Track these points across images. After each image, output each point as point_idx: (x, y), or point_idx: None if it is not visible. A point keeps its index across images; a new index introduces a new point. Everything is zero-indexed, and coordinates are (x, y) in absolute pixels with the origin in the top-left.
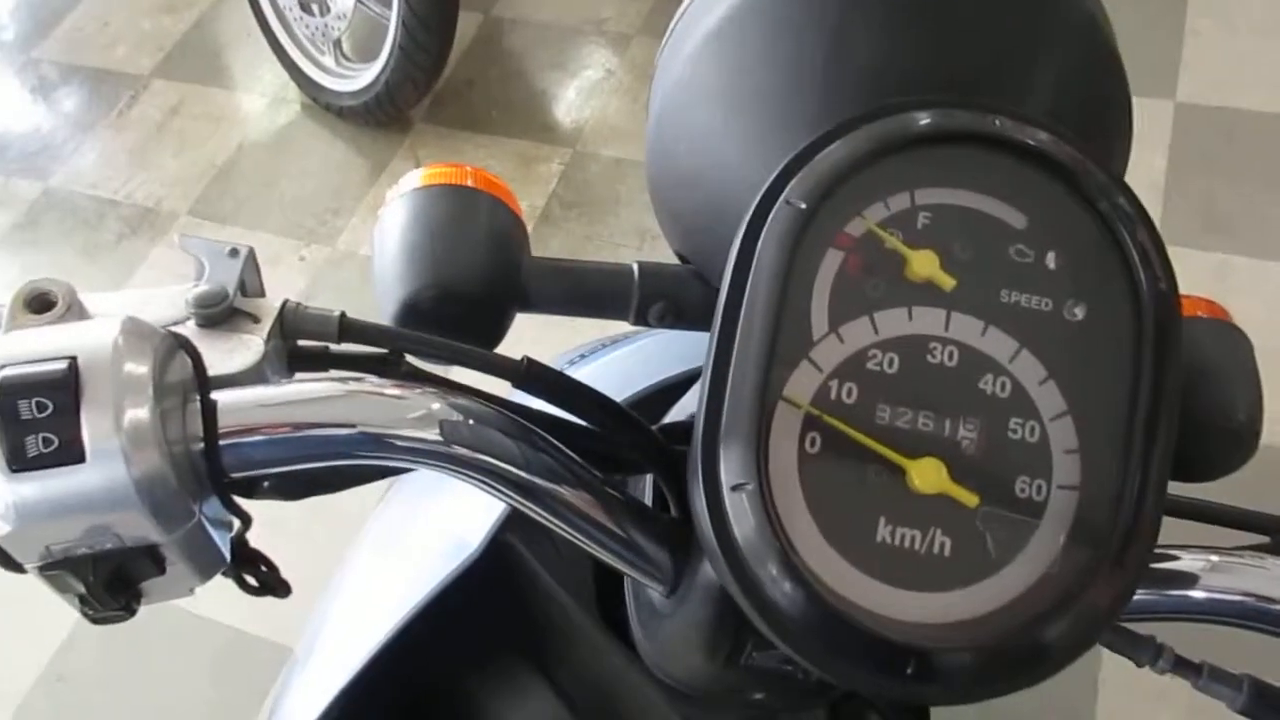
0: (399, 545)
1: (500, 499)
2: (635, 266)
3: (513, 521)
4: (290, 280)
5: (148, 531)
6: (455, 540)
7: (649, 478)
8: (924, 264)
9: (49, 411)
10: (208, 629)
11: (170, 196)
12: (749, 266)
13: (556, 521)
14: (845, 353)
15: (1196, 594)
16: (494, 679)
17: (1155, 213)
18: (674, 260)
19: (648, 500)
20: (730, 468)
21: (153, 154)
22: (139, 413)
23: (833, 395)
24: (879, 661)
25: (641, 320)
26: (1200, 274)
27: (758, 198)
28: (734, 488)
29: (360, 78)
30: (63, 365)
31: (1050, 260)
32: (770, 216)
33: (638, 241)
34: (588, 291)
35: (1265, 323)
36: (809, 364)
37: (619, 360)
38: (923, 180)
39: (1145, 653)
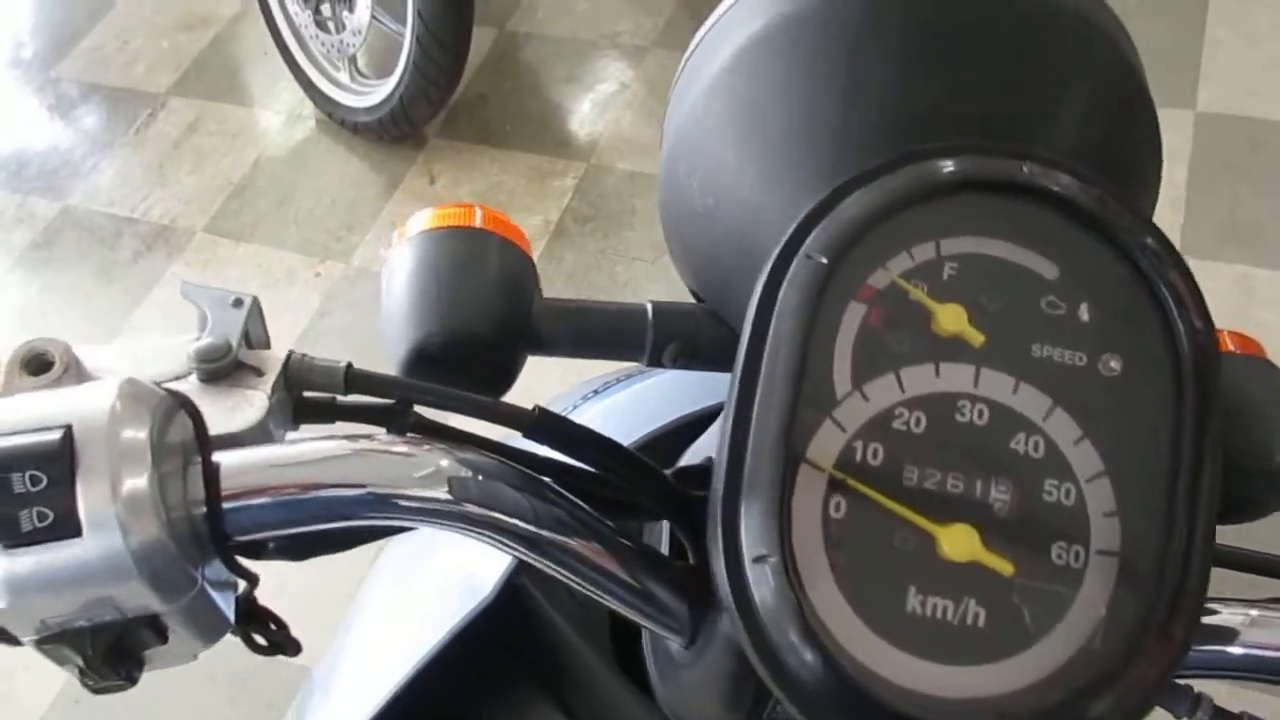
0: (414, 585)
1: (510, 553)
2: (649, 306)
3: (526, 565)
4: (305, 297)
5: (148, 601)
6: (469, 583)
7: (666, 526)
8: (951, 318)
9: (43, 485)
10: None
11: (186, 213)
12: (768, 322)
13: (569, 576)
14: (870, 412)
15: (1235, 650)
16: (514, 713)
17: (1176, 224)
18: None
19: (664, 546)
20: (752, 538)
21: (170, 171)
22: (136, 482)
23: (858, 457)
24: None
25: (656, 361)
26: (1223, 286)
27: (777, 250)
28: (756, 559)
29: (375, 94)
30: (57, 436)
31: (1083, 312)
32: (790, 271)
33: (653, 255)
34: (600, 333)
35: None
36: (832, 424)
37: (631, 399)
38: (949, 229)
39: (1182, 704)
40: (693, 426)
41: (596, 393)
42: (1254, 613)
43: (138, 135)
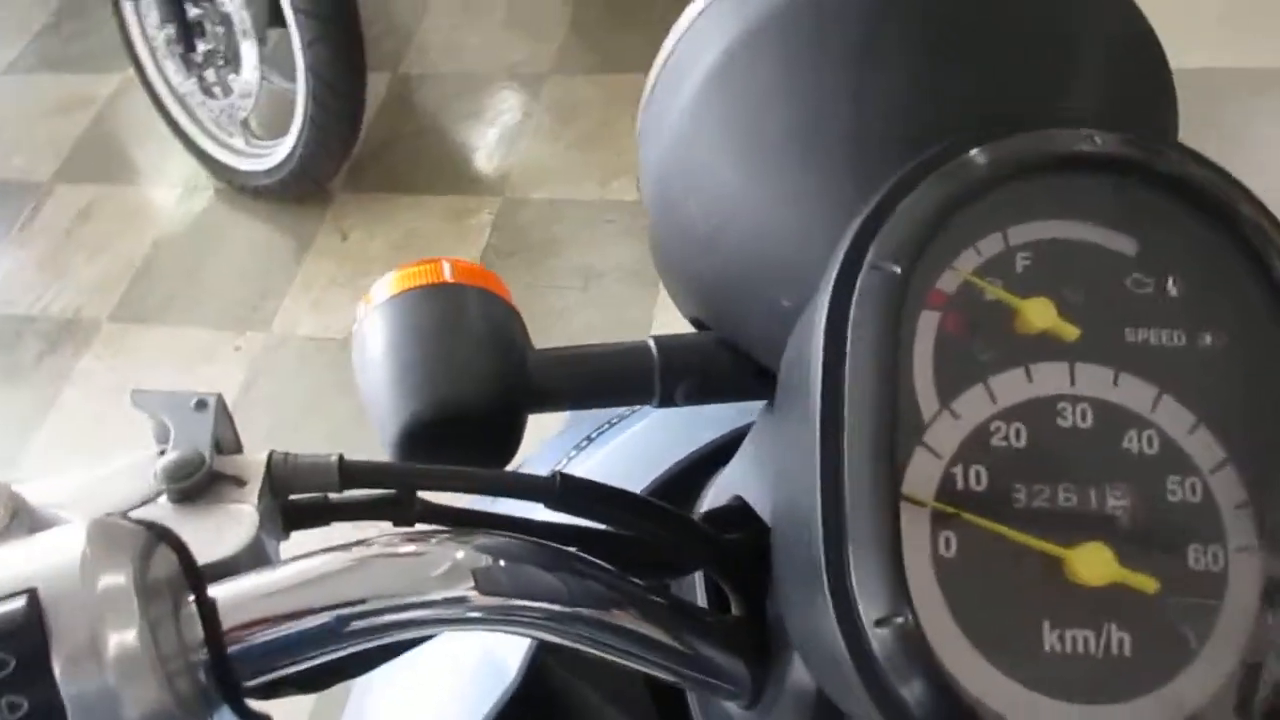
0: (426, 676)
1: (543, 639)
2: (652, 343)
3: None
4: (228, 373)
5: None
6: (489, 668)
7: (698, 575)
8: (1039, 313)
9: (11, 667)
10: None
11: (90, 304)
12: (843, 346)
13: (614, 652)
14: (963, 431)
15: None
16: None
17: None
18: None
19: (699, 600)
20: (869, 598)
21: (65, 262)
22: (125, 640)
23: (959, 485)
24: None
25: (668, 401)
26: None
27: (837, 264)
28: (878, 621)
29: (273, 155)
30: (21, 604)
31: (1172, 286)
32: (858, 284)
33: (582, 281)
34: (605, 380)
35: None
36: (925, 450)
37: (627, 445)
38: (1014, 217)
39: None
40: (702, 464)
41: (590, 440)
42: None
43: (24, 230)
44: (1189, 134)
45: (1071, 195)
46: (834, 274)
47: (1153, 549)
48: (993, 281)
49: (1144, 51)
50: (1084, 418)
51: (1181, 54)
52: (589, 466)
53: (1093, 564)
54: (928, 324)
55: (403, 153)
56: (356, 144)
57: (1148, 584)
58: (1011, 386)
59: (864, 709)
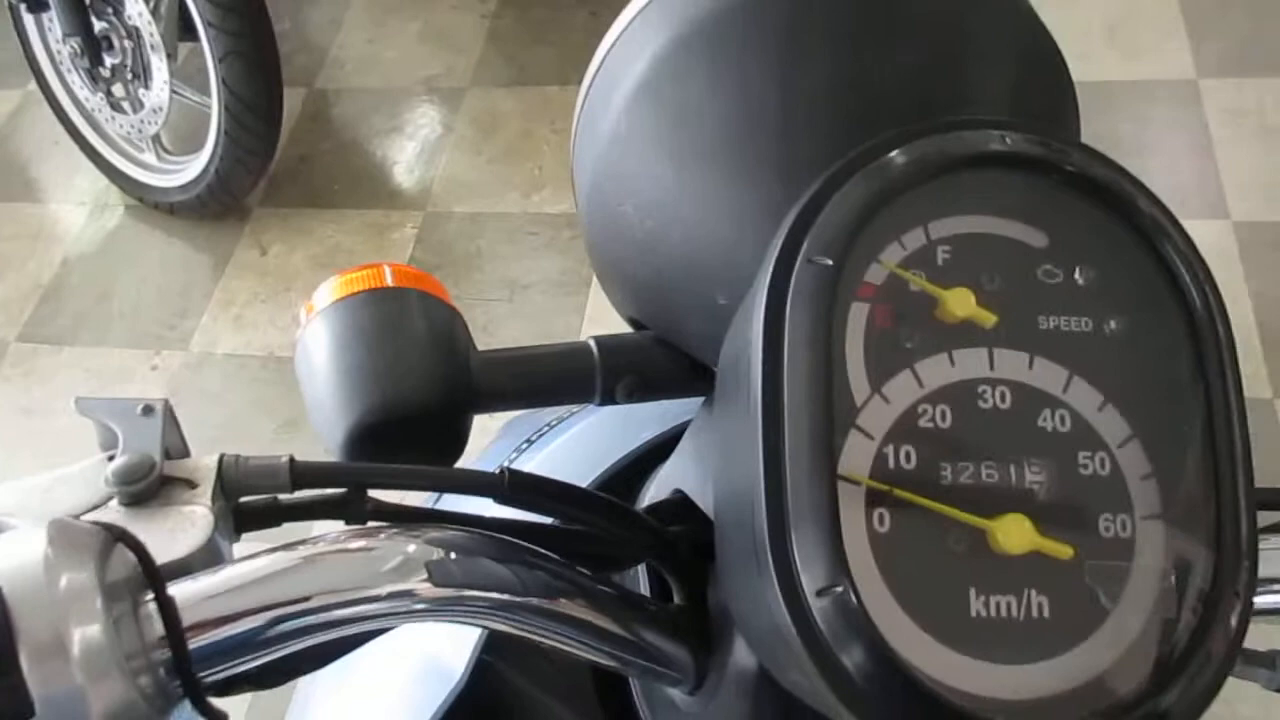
0: (370, 678)
1: (494, 629)
2: (593, 343)
3: (495, 640)
4: (146, 393)
5: None
6: (436, 669)
7: (641, 567)
8: (960, 302)
9: None
10: None
11: None
12: (780, 337)
13: (562, 640)
14: (894, 414)
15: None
16: None
17: None
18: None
19: (644, 591)
20: (810, 570)
21: None
22: (91, 635)
23: (890, 464)
24: None
25: (609, 399)
26: None
27: (773, 259)
28: (820, 592)
29: (187, 170)
30: None
31: (1079, 276)
32: (793, 277)
33: (507, 293)
34: (547, 380)
35: None
36: (858, 433)
37: (570, 443)
38: (934, 212)
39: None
40: (643, 460)
41: (530, 442)
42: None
43: None
44: (1089, 140)
45: (986, 191)
46: (770, 268)
47: (1067, 519)
48: (917, 273)
49: (1048, 60)
50: (1003, 399)
51: (1075, 67)
52: (532, 466)
53: (1013, 534)
54: (858, 314)
55: (321, 167)
56: (274, 159)
57: (1064, 551)
58: (936, 371)
59: (808, 678)
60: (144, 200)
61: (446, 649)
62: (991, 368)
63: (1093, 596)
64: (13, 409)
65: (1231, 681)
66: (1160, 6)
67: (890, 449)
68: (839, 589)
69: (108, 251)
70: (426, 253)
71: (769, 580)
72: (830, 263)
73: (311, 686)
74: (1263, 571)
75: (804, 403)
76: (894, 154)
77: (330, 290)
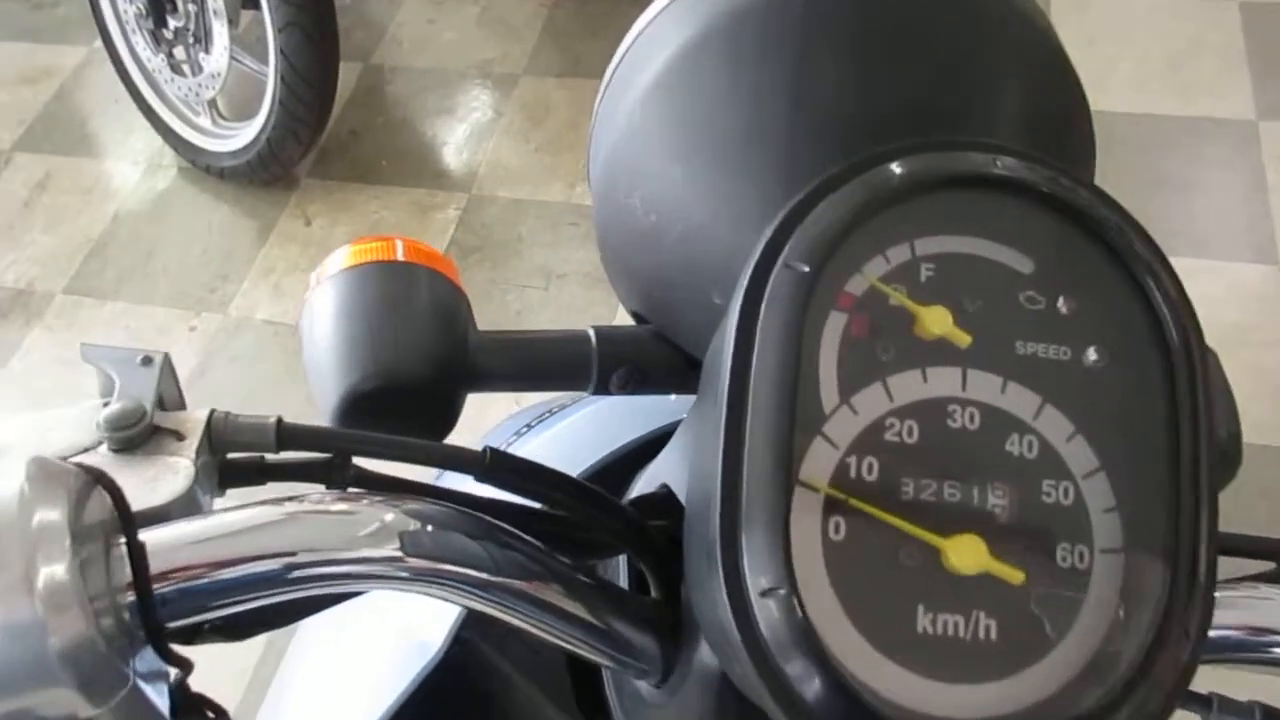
0: (352, 649)
1: (468, 606)
2: (591, 332)
3: (473, 617)
4: (181, 355)
5: (76, 708)
6: (414, 641)
7: (622, 558)
8: (936, 320)
9: None
10: None
11: (44, 276)
12: (751, 339)
13: (532, 623)
14: (860, 425)
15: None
16: None
17: None
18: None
19: (622, 581)
20: (756, 570)
21: (21, 232)
22: (56, 573)
23: (852, 474)
24: None
25: (603, 389)
26: None
27: (753, 261)
28: (763, 592)
29: (240, 136)
30: None
31: (1062, 305)
32: (770, 282)
33: (543, 282)
34: (543, 364)
35: None
36: (823, 441)
37: (570, 430)
38: (921, 229)
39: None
40: (637, 454)
41: (529, 427)
42: (1215, 594)
43: None
44: (1136, 176)
45: (976, 213)
46: (749, 270)
47: (1024, 544)
48: (897, 288)
49: (1061, 83)
50: (972, 420)
51: (1130, 99)
52: (531, 449)
53: (965, 554)
54: (835, 324)
55: (371, 143)
56: (324, 132)
57: (1015, 575)
58: (908, 386)
59: (755, 688)
60: (196, 163)
61: (426, 623)
62: (964, 388)
63: (1043, 624)
64: (53, 360)
65: None
66: (1225, 43)
67: (854, 459)
68: (782, 591)
69: (157, 211)
70: (468, 235)
71: (717, 577)
72: (807, 269)
73: (299, 646)
74: (1245, 619)
75: (767, 405)
76: (884, 168)
77: (342, 257)
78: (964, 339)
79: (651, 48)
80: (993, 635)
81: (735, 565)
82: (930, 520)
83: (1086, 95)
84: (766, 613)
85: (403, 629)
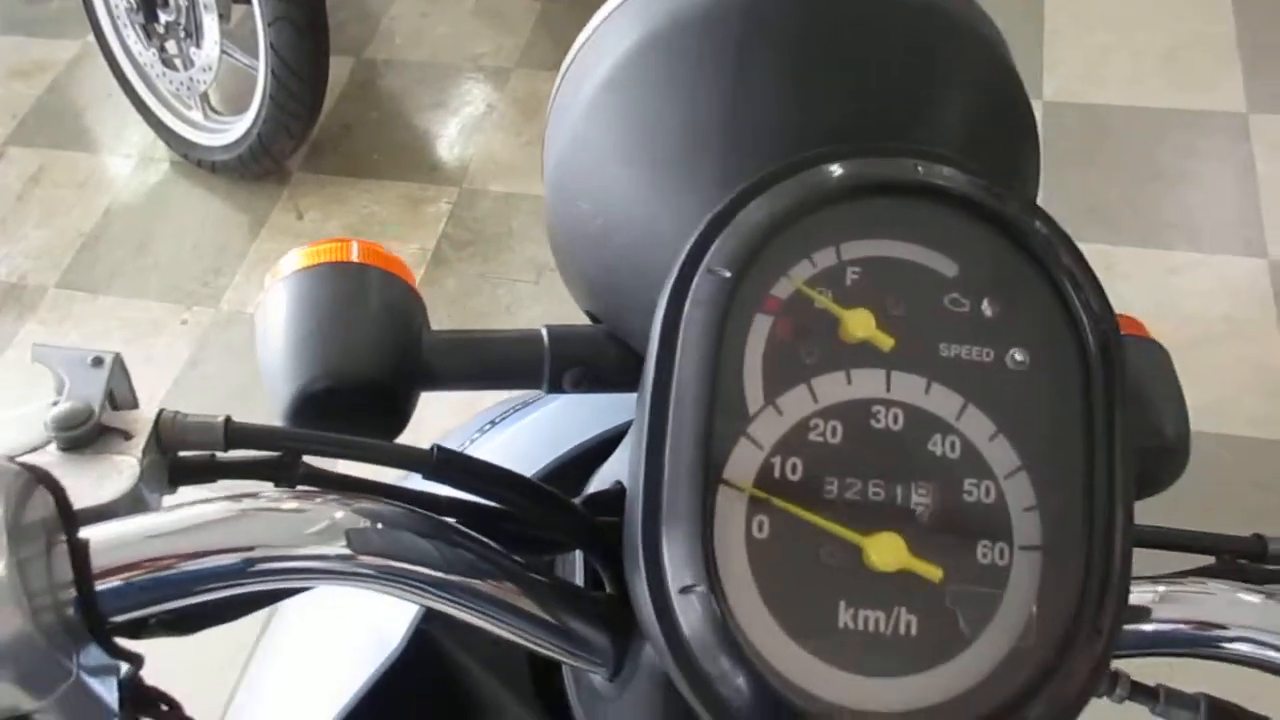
0: (317, 644)
1: (420, 603)
2: (544, 331)
3: (433, 611)
4: (173, 348)
5: (17, 701)
6: (376, 636)
7: (578, 554)
8: (860, 323)
9: None
10: None
11: (37, 269)
12: (675, 341)
13: (485, 619)
14: (785, 425)
15: (1147, 628)
16: None
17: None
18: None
19: (578, 578)
20: (677, 567)
21: (13, 226)
22: None
23: (776, 473)
24: None
25: (556, 388)
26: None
27: (677, 266)
28: (683, 589)
29: (232, 130)
30: None
31: (986, 308)
32: (693, 287)
33: (534, 275)
34: (495, 363)
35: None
36: (748, 441)
37: (530, 428)
38: (847, 233)
39: (1102, 684)
40: (596, 451)
41: (494, 423)
42: (1161, 588)
43: None
44: (1129, 168)
45: (901, 218)
46: (673, 276)
47: (945, 543)
48: (823, 291)
49: (1005, 93)
50: (896, 420)
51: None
52: (489, 448)
53: (885, 551)
54: (760, 326)
55: (363, 137)
56: (316, 125)
57: (934, 573)
58: (832, 388)
59: (677, 679)
60: (188, 157)
61: (387, 616)
62: (888, 389)
63: (962, 621)
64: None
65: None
66: (1220, 37)
67: (778, 459)
68: (701, 588)
69: (149, 205)
70: (459, 229)
71: (640, 575)
72: (729, 275)
73: (274, 634)
74: (1189, 614)
75: (688, 405)
76: (809, 173)
77: (296, 259)
78: (887, 341)
79: (598, 53)
80: (913, 631)
81: (656, 563)
82: (852, 519)
83: (1032, 106)
84: (687, 610)
85: (364, 623)
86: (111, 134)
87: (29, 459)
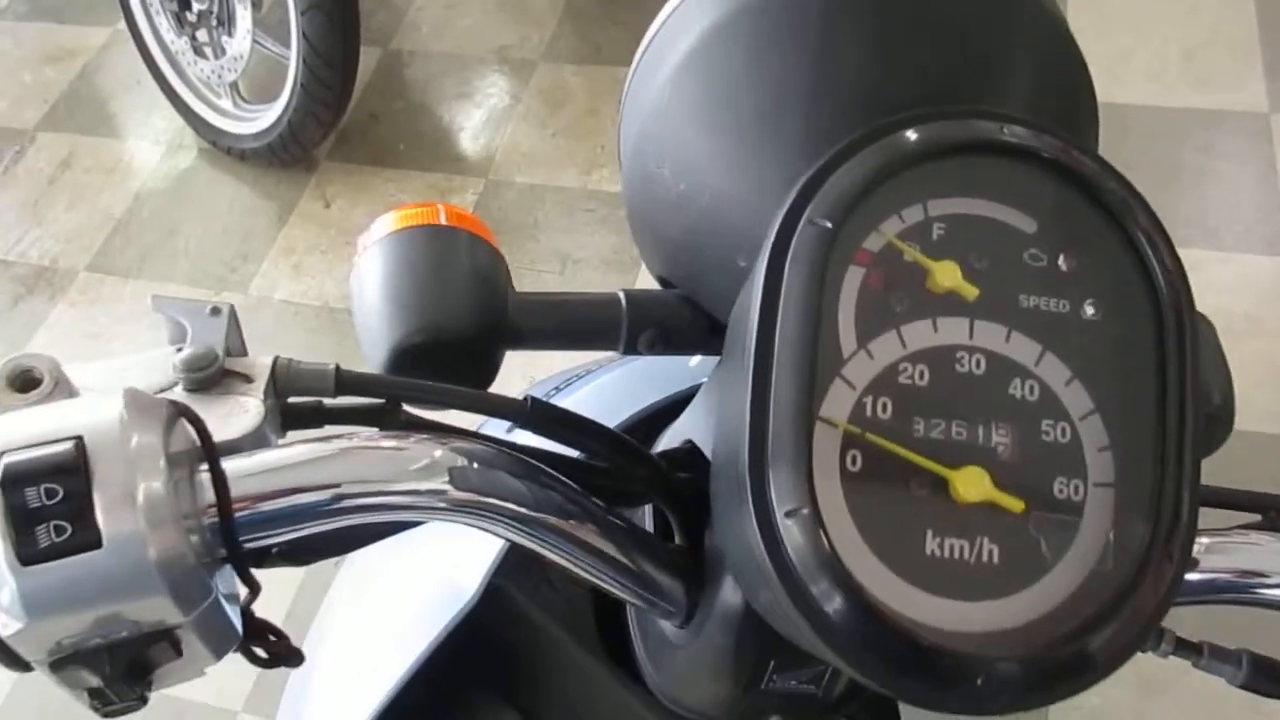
0: (391, 593)
1: (510, 539)
2: (621, 295)
3: (507, 565)
4: None
5: (167, 614)
6: (450, 587)
7: (648, 509)
8: (947, 274)
9: (59, 497)
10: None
11: (67, 252)
12: (779, 288)
13: (568, 558)
14: (876, 368)
15: (1194, 577)
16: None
17: None
18: (645, 284)
19: (648, 530)
20: (782, 494)
21: (45, 209)
22: (155, 489)
23: (868, 412)
24: (942, 675)
25: (632, 349)
26: None
27: (779, 219)
28: (788, 513)
29: (261, 119)
30: (69, 446)
31: (1063, 262)
32: (795, 237)
33: (559, 266)
34: (576, 324)
35: None
36: (842, 382)
37: (598, 391)
38: (934, 191)
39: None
40: (660, 415)
41: (558, 389)
42: (1206, 540)
43: (6, 174)
44: (1150, 167)
45: (985, 177)
46: (776, 226)
47: (1024, 478)
48: (911, 245)
49: (1068, 60)
50: (978, 365)
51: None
52: (566, 405)
53: (970, 484)
54: (854, 277)
55: (390, 127)
56: (345, 115)
57: (1016, 504)
58: (919, 334)
59: (777, 600)
60: (217, 144)
61: (461, 570)
62: (971, 336)
63: (1042, 549)
64: (79, 333)
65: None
66: (1241, 36)
67: (870, 399)
68: (805, 511)
69: (179, 191)
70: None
71: (747, 506)
72: (830, 225)
73: (336, 593)
74: (1234, 563)
75: (791, 350)
76: (900, 134)
77: (389, 222)
78: (972, 292)
79: (680, 29)
80: (995, 559)
81: (762, 491)
82: (939, 454)
83: (1090, 73)
84: (791, 533)
85: (440, 575)
86: (141, 121)
87: (166, 397)
